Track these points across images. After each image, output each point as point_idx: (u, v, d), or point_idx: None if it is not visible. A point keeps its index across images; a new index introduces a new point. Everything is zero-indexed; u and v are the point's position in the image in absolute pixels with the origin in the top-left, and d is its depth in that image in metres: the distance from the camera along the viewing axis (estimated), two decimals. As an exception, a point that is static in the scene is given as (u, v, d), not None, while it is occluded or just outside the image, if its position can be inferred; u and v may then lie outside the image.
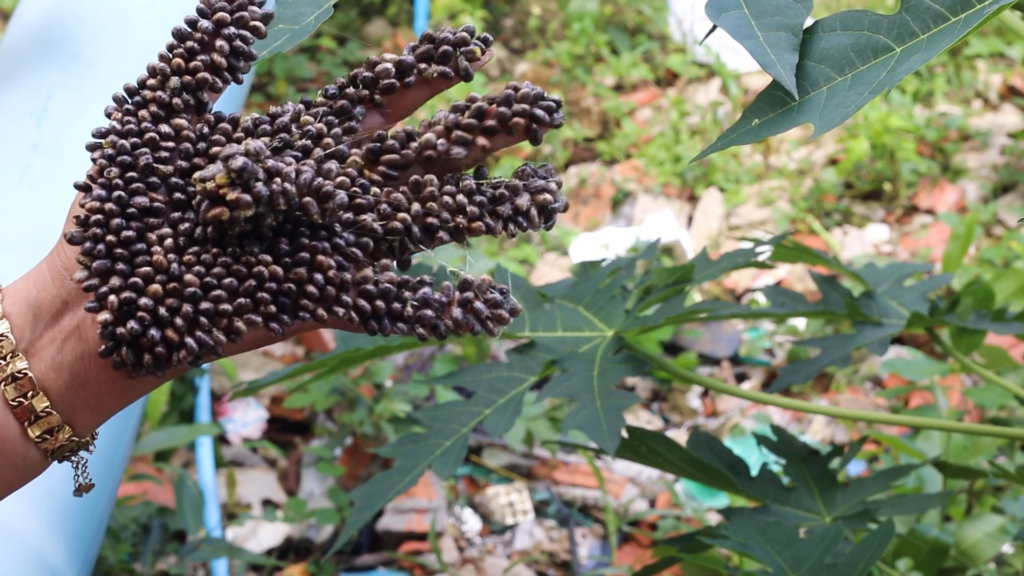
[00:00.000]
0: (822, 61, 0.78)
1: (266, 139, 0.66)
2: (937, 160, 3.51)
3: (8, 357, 0.64)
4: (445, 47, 0.67)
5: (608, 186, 3.54)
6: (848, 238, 3.32)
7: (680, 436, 2.70)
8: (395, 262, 0.66)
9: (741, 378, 2.93)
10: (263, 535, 2.44)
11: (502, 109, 0.66)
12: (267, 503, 2.54)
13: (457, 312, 0.65)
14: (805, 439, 2.61)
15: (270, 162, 0.62)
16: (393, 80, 0.68)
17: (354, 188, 0.64)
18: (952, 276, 1.56)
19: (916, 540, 1.89)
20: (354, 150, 0.67)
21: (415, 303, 0.65)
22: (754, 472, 1.39)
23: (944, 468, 1.53)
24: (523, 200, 0.65)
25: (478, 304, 0.65)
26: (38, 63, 1.77)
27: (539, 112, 0.66)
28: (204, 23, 0.67)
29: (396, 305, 0.64)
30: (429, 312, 0.64)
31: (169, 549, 2.18)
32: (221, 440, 2.68)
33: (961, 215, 3.18)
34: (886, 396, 2.66)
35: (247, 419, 2.72)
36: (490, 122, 0.66)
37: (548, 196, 0.65)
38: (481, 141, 0.66)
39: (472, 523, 2.52)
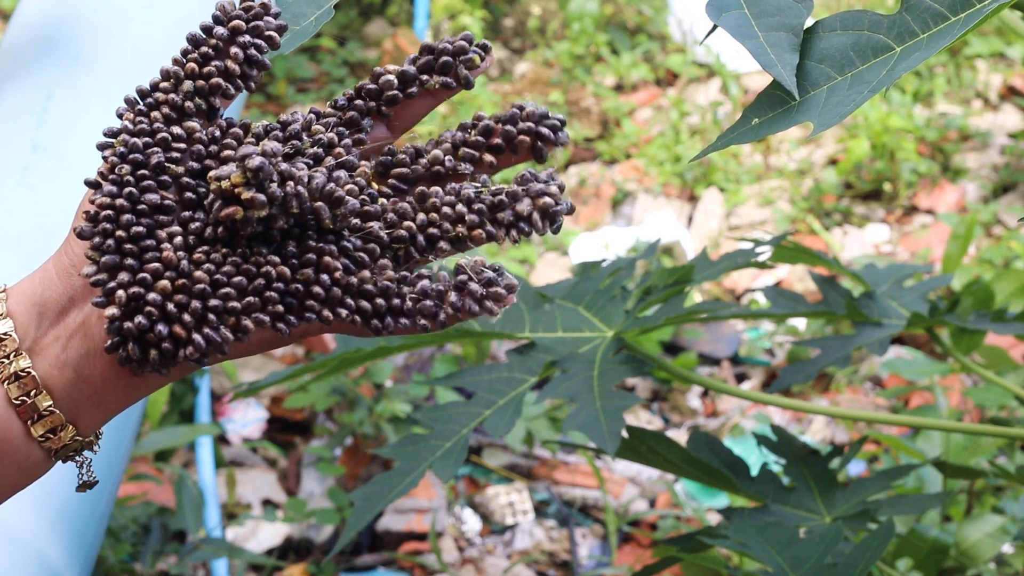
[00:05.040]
0: (822, 61, 0.78)
1: (278, 144, 0.66)
2: (937, 160, 3.51)
3: (11, 356, 0.63)
4: (445, 57, 0.69)
5: (608, 186, 3.54)
6: (848, 238, 3.32)
7: (680, 436, 2.70)
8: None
9: (741, 378, 2.93)
10: (263, 535, 2.44)
11: (507, 128, 0.68)
12: (267, 503, 2.54)
13: (453, 296, 0.65)
14: (805, 439, 2.61)
15: (283, 165, 0.63)
16: (396, 91, 0.69)
17: (363, 196, 0.65)
18: (952, 276, 1.56)
19: (916, 540, 1.89)
20: (363, 161, 0.68)
21: (414, 296, 0.65)
22: (754, 472, 1.39)
23: (944, 468, 1.53)
24: (524, 205, 0.66)
25: (473, 285, 0.65)
26: (38, 63, 1.77)
27: (544, 131, 0.68)
28: (219, 30, 0.67)
29: (396, 301, 0.65)
30: (428, 303, 0.65)
31: (169, 549, 2.18)
32: (221, 440, 2.68)
33: (961, 215, 3.18)
34: (886, 396, 2.66)
35: (247, 419, 2.72)
36: (496, 140, 0.68)
37: (549, 199, 0.66)
38: (488, 158, 0.68)
39: (472, 523, 2.52)
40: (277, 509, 2.50)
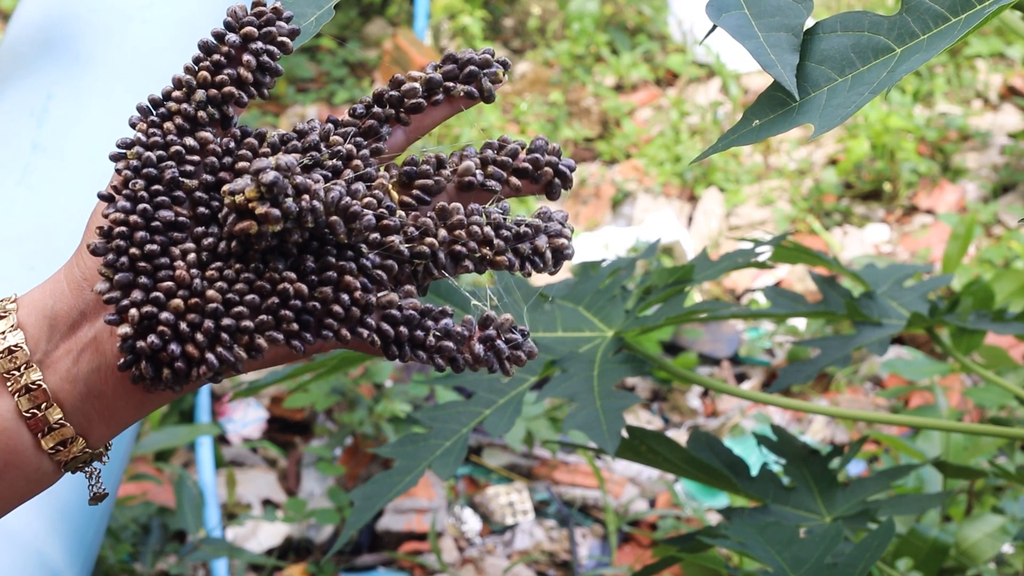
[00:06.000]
0: (823, 62, 0.78)
1: (296, 155, 0.65)
2: (937, 160, 3.51)
3: (22, 368, 0.63)
4: (471, 67, 0.68)
5: (608, 186, 3.54)
6: (848, 238, 3.32)
7: (680, 436, 2.70)
8: (416, 288, 0.66)
9: (741, 378, 2.93)
10: (263, 535, 2.44)
11: (535, 155, 0.68)
12: (267, 503, 2.54)
13: (478, 348, 0.65)
14: (805, 439, 2.61)
15: (299, 179, 0.62)
16: (421, 99, 0.68)
17: (381, 209, 0.64)
18: (952, 276, 1.56)
19: (916, 540, 1.89)
20: (382, 172, 0.67)
21: (437, 333, 0.65)
22: (754, 472, 1.39)
23: (944, 468, 1.53)
24: (542, 241, 0.66)
25: (499, 343, 0.65)
26: (38, 63, 1.77)
27: (563, 168, 0.68)
28: (231, 37, 0.66)
29: (419, 333, 0.65)
30: (450, 344, 0.65)
31: (169, 549, 2.18)
32: (221, 440, 2.68)
33: (961, 215, 3.18)
34: (886, 396, 2.66)
35: (247, 419, 2.72)
36: (522, 164, 0.68)
37: (564, 241, 0.66)
38: (514, 181, 0.68)
39: (472, 523, 2.52)
40: (277, 509, 2.50)
